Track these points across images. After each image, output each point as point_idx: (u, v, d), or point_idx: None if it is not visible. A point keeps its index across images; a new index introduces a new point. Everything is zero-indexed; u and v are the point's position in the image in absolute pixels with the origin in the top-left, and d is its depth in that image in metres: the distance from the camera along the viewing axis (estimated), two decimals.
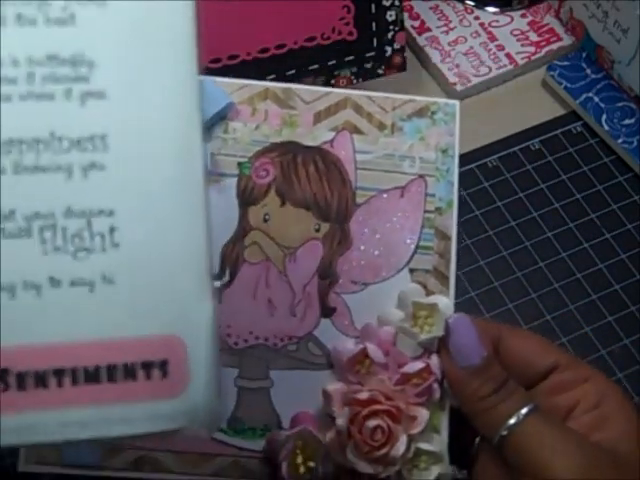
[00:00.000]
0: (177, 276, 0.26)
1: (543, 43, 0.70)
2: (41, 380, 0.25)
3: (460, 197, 0.63)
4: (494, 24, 0.71)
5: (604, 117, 0.66)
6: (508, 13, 0.71)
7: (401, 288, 0.40)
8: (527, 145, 0.66)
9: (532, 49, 0.69)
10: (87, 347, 0.26)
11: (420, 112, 0.41)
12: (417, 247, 0.40)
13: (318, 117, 0.41)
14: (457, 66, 0.68)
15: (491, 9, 0.71)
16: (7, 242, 0.25)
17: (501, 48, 0.69)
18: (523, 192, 0.64)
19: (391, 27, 0.62)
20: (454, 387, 0.37)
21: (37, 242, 0.25)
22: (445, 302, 0.39)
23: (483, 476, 0.38)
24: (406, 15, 0.68)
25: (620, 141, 0.65)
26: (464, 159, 0.65)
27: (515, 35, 0.70)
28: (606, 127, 0.65)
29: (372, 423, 0.37)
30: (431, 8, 0.71)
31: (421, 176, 0.41)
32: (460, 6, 0.71)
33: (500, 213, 0.63)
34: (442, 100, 0.42)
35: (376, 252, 0.40)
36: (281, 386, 0.40)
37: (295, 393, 0.40)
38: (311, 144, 0.41)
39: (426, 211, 0.41)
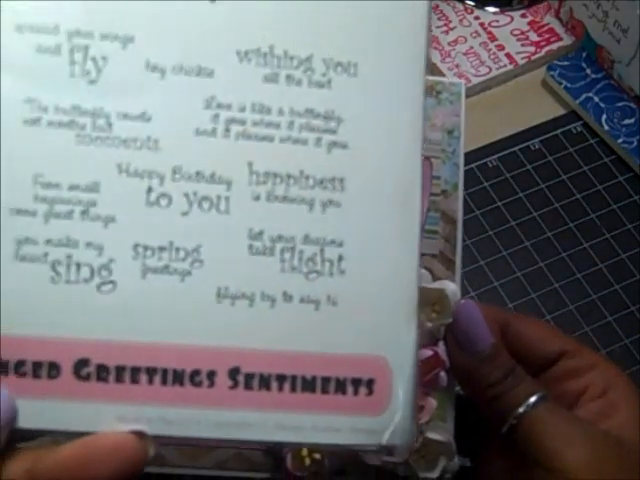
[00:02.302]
0: (391, 303, 0.30)
1: (543, 43, 0.70)
2: (265, 383, 0.29)
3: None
4: (494, 24, 0.71)
5: (604, 117, 0.66)
6: (508, 13, 0.71)
7: None
8: (527, 145, 0.66)
9: (532, 49, 0.69)
10: (307, 358, 0.29)
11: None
12: (423, 231, 0.39)
13: None
14: (457, 66, 0.68)
15: (491, 9, 0.71)
16: (253, 258, 0.29)
17: (501, 48, 0.69)
18: (523, 192, 0.64)
19: None
20: (462, 375, 0.37)
21: (277, 261, 0.29)
22: (452, 288, 0.38)
23: (489, 464, 0.38)
24: None
25: (620, 141, 0.65)
26: (464, 159, 0.65)
27: (515, 35, 0.70)
28: (606, 127, 0.65)
29: None
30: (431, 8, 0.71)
31: (427, 158, 0.40)
32: (460, 6, 0.71)
33: (500, 213, 0.63)
34: (447, 79, 0.41)
35: None
36: None
37: None
38: None
39: (432, 194, 0.40)
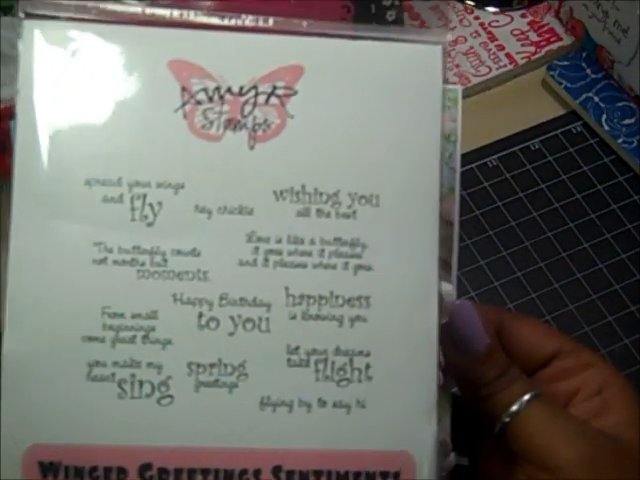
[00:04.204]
0: (413, 403, 0.34)
1: (543, 43, 0.70)
2: (304, 478, 0.33)
3: (460, 197, 0.63)
4: (494, 24, 0.71)
5: (604, 117, 0.66)
6: (508, 13, 0.71)
7: None
8: (527, 145, 0.66)
9: (532, 49, 0.69)
10: (340, 455, 0.33)
11: None
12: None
13: None
14: (457, 66, 0.68)
15: (491, 9, 0.71)
16: (291, 370, 0.33)
17: (501, 48, 0.69)
18: (523, 192, 0.64)
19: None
20: (457, 374, 0.37)
21: (312, 371, 0.33)
22: (448, 289, 0.38)
23: (484, 463, 0.38)
24: (406, 15, 0.68)
25: (620, 141, 0.65)
26: (464, 159, 0.65)
27: (515, 35, 0.70)
28: (606, 127, 0.65)
29: None
30: (431, 8, 0.71)
31: None
32: (460, 6, 0.71)
33: (500, 213, 0.63)
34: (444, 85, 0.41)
35: None
36: None
37: None
38: None
39: None
